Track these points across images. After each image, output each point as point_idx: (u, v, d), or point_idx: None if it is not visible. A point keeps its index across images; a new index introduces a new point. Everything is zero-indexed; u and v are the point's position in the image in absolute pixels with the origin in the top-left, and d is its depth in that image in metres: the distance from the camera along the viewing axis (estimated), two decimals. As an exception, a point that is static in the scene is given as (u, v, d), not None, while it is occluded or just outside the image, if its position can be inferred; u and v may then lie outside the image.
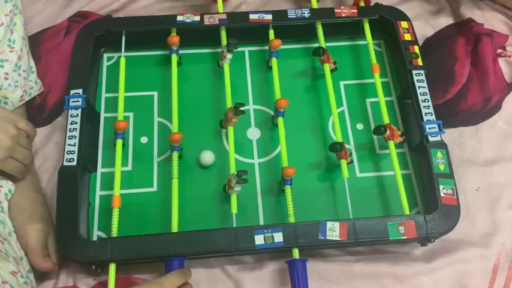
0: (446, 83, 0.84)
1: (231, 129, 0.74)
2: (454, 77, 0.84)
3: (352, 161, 0.76)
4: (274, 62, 0.80)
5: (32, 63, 0.80)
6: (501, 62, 0.86)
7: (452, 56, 0.86)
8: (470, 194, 0.75)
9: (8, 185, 0.69)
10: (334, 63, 0.82)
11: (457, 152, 0.78)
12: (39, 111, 0.80)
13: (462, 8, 0.90)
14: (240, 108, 0.72)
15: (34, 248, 0.66)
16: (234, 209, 0.68)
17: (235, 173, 0.68)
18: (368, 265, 0.70)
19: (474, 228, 0.73)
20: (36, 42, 0.86)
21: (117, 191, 0.70)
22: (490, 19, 0.89)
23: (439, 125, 0.74)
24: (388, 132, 0.74)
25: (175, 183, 0.71)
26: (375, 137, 0.79)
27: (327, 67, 0.80)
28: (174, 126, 0.75)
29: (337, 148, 0.72)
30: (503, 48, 0.87)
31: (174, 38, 0.79)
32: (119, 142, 0.73)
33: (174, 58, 0.80)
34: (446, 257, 0.70)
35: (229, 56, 0.78)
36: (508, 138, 0.80)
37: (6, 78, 0.74)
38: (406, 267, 0.70)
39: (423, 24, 0.90)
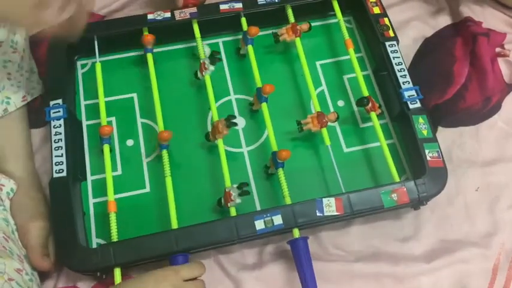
0: (445, 83, 0.84)
1: (220, 141, 0.73)
2: (452, 77, 0.84)
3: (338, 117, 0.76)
4: (250, 49, 0.80)
5: (33, 64, 0.80)
6: (500, 62, 0.85)
7: (451, 56, 0.86)
8: (470, 194, 0.75)
9: (10, 184, 0.69)
10: (309, 29, 0.82)
11: (457, 152, 0.78)
12: (38, 112, 0.79)
13: (461, 7, 0.89)
14: (233, 121, 0.72)
15: (34, 246, 0.66)
16: (233, 213, 0.69)
17: (236, 186, 0.68)
18: (368, 265, 0.70)
19: (474, 228, 0.73)
20: (36, 43, 0.84)
21: (111, 196, 0.70)
22: (489, 17, 0.89)
23: (416, 91, 0.76)
24: (370, 103, 0.76)
25: (168, 181, 0.71)
26: (356, 111, 0.81)
27: (298, 41, 0.80)
28: (159, 125, 0.74)
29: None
30: (502, 46, 0.87)
31: (148, 37, 0.79)
32: (106, 147, 0.73)
33: (150, 57, 0.80)
34: (446, 257, 0.70)
35: (211, 68, 0.78)
36: (508, 138, 0.80)
37: (9, 79, 0.74)
38: (406, 267, 0.70)
39: (422, 25, 0.89)
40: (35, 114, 0.79)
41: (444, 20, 0.90)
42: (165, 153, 0.72)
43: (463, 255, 0.71)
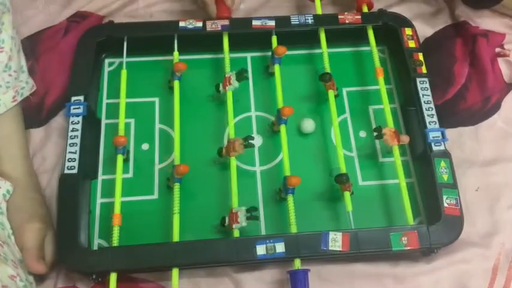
0: (445, 83, 0.84)
1: (233, 159, 0.72)
2: (453, 77, 0.84)
3: (353, 193, 0.73)
4: (277, 68, 0.79)
5: (23, 63, 0.78)
6: (500, 62, 0.86)
7: (451, 56, 0.86)
8: (470, 194, 0.75)
9: (6, 186, 0.69)
10: (337, 89, 0.80)
11: (457, 152, 0.78)
12: (37, 112, 0.80)
13: (457, 11, 0.89)
14: (250, 141, 0.71)
15: (30, 249, 0.65)
16: (236, 234, 0.68)
17: (245, 209, 0.67)
18: (368, 265, 0.70)
19: (474, 228, 0.73)
20: (35, 42, 0.85)
21: (118, 201, 0.69)
22: (487, 20, 0.89)
23: (442, 133, 0.74)
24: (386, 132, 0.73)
25: (176, 218, 0.68)
26: (377, 144, 0.78)
27: (331, 94, 0.78)
28: (176, 134, 0.74)
29: (342, 180, 0.70)
30: (501, 46, 0.87)
31: (180, 66, 0.77)
32: (120, 158, 0.72)
33: (177, 84, 0.78)
34: (446, 257, 0.70)
35: (236, 84, 0.76)
36: (508, 138, 0.80)
37: None
38: (406, 267, 0.69)
39: (422, 25, 0.89)
40: (35, 114, 0.79)
41: (444, 20, 0.91)
42: (176, 187, 0.70)
43: (463, 255, 0.70)
